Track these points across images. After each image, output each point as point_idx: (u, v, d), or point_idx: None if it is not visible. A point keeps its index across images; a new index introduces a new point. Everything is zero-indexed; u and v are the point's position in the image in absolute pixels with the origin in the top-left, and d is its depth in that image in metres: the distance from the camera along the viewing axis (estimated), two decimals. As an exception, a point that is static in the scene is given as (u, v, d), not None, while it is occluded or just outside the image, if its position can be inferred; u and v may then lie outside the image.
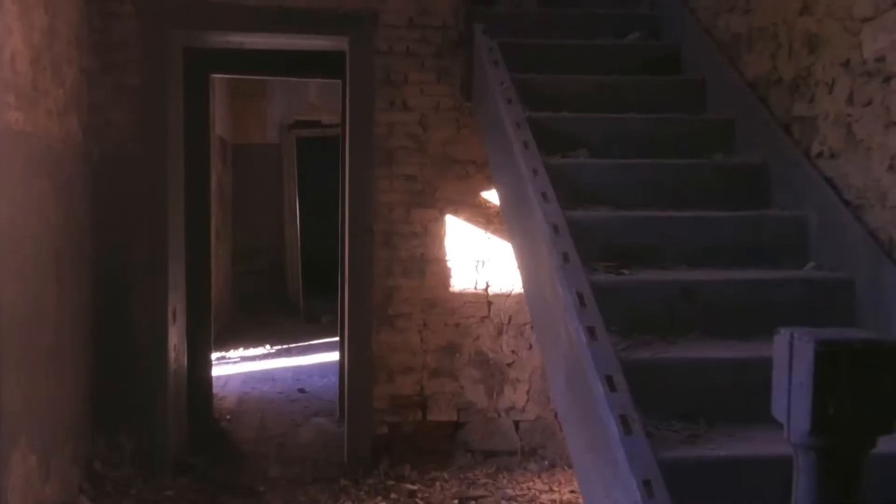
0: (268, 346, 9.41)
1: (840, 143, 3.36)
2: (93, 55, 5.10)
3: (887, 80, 3.04)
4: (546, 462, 5.57)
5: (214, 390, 6.68)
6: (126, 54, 5.18)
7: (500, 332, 5.54)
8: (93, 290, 5.11)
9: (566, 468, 5.43)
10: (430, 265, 5.48)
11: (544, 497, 5.16)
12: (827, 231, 3.38)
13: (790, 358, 1.60)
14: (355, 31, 5.34)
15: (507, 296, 5.53)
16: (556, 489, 5.28)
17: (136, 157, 5.18)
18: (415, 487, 5.25)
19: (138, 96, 5.18)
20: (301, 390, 7.62)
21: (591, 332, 2.66)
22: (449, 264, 5.50)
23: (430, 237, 5.47)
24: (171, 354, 5.40)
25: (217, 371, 7.31)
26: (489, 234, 5.51)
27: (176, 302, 5.50)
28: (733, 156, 4.07)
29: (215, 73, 6.36)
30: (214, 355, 6.95)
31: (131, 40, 5.19)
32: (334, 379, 7.09)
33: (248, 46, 5.87)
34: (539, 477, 5.45)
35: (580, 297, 2.81)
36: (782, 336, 1.63)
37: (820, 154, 3.50)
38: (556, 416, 5.30)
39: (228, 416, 6.74)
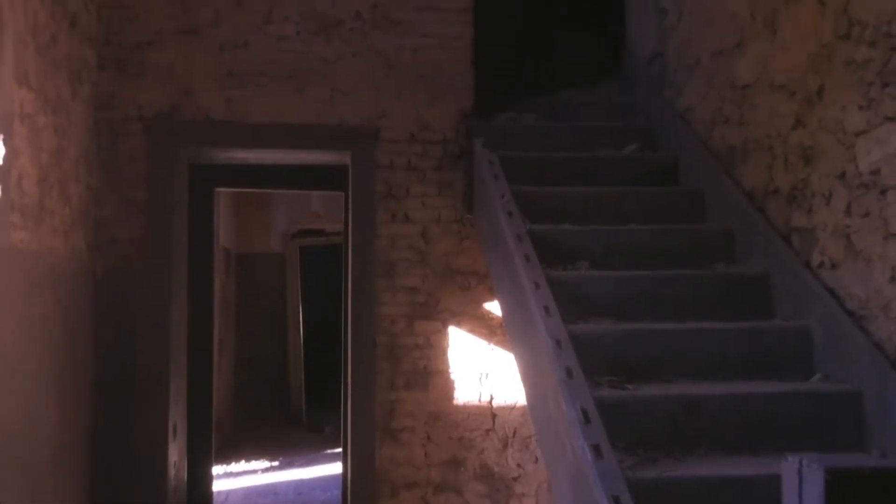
0: (270, 459, 9.27)
1: (840, 253, 3.37)
2: (100, 172, 5.19)
3: (883, 192, 3.07)
4: (554, 579, 5.43)
5: (215, 506, 6.55)
6: (133, 171, 5.26)
7: (505, 446, 5.46)
8: (93, 405, 5.07)
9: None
10: (433, 377, 5.44)
11: None
12: (831, 342, 3.37)
13: (800, 485, 1.57)
14: (357, 146, 5.44)
15: (512, 408, 5.47)
16: None
17: (140, 273, 5.21)
18: None
19: (144, 213, 5.24)
20: (303, 505, 7.48)
21: (596, 450, 2.62)
22: (452, 376, 5.46)
23: (433, 349, 5.45)
24: (171, 472, 5.32)
25: (218, 485, 7.19)
26: (492, 346, 5.49)
27: (177, 417, 5.44)
28: (734, 266, 4.09)
29: (220, 187, 6.45)
30: (215, 469, 6.83)
31: (139, 157, 5.28)
32: (337, 493, 6.95)
33: (253, 162, 5.97)
34: None
35: (585, 413, 2.78)
36: (791, 463, 1.61)
37: (821, 264, 3.51)
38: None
39: (229, 534, 6.60)
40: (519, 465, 5.47)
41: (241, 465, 8.95)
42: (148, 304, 5.22)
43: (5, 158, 3.80)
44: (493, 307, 5.41)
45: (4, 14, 3.76)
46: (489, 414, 5.47)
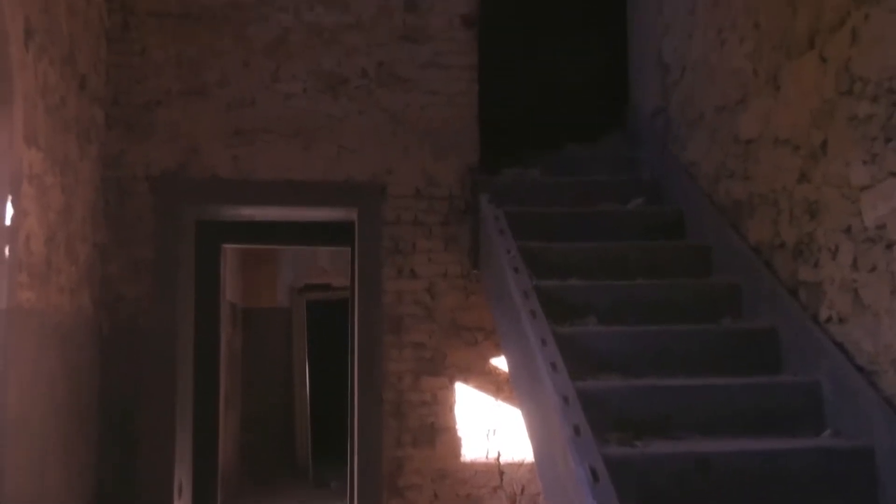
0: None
1: (848, 308, 3.36)
2: (107, 230, 5.21)
3: (890, 246, 3.07)
4: None
5: (220, 566, 6.46)
6: (140, 229, 5.28)
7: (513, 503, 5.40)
8: (98, 463, 5.03)
9: None
10: (440, 434, 5.40)
11: None
12: (841, 397, 3.34)
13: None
14: (364, 202, 5.46)
15: (520, 465, 5.42)
16: None
17: (146, 330, 5.21)
18: None
19: (150, 270, 5.26)
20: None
21: (605, 510, 2.59)
22: (459, 433, 5.41)
23: (440, 405, 5.41)
24: (177, 531, 5.27)
25: (223, 545, 7.10)
26: (499, 402, 5.45)
27: (182, 474, 5.40)
28: (742, 320, 4.07)
29: (227, 243, 6.48)
30: (221, 529, 6.76)
31: (146, 215, 5.30)
32: (344, 551, 6.86)
33: (259, 218, 6.00)
34: None
35: (593, 471, 2.75)
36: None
37: (829, 319, 3.49)
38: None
39: None
40: (528, 524, 5.41)
41: (247, 523, 8.85)
42: (154, 361, 5.20)
43: (13, 219, 3.82)
44: (500, 363, 5.38)
45: (15, 76, 3.81)
46: (497, 471, 5.42)
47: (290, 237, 6.82)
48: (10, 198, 3.80)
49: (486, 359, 5.46)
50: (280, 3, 5.49)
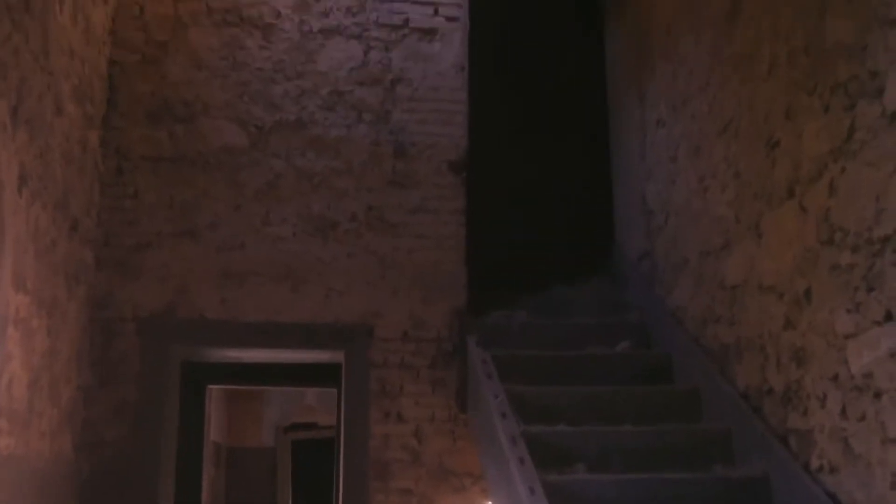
0: None
1: (839, 457, 3.32)
2: (91, 372, 5.16)
3: (878, 395, 3.06)
4: None
5: None
6: (125, 370, 5.23)
7: None
8: None
9: None
10: (427, 584, 5.23)
11: None
12: (837, 551, 3.26)
13: None
14: (351, 345, 5.45)
15: None
16: None
17: (127, 472, 5.09)
18: None
19: (134, 412, 5.18)
20: None
21: None
22: (447, 584, 5.25)
23: (428, 553, 5.26)
24: None
25: None
26: (488, 549, 5.30)
27: None
28: (733, 468, 4.01)
29: (213, 384, 6.42)
30: None
31: (131, 357, 5.27)
32: None
33: (246, 360, 5.96)
34: None
35: None
36: None
37: (820, 468, 3.44)
38: None
39: None
40: None
41: None
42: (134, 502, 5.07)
43: (-3, 363, 3.79)
44: (488, 509, 5.27)
45: (7, 221, 3.85)
46: None
47: (277, 378, 6.77)
48: (-6, 342, 3.78)
49: (473, 505, 5.35)
50: (273, 149, 5.61)
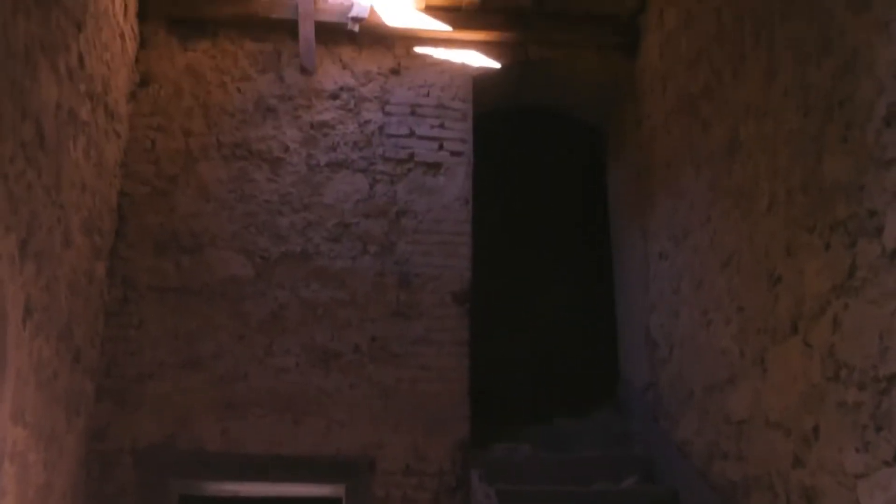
0: None
1: None
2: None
3: (893, 536, 2.99)
4: None
5: None
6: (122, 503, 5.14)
7: None
8: None
9: None
10: None
11: None
12: None
13: None
14: (352, 479, 5.34)
15: None
16: None
17: None
18: None
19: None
20: None
21: None
22: None
23: None
24: None
25: None
26: None
27: None
28: None
29: (210, 518, 6.28)
30: None
31: (128, 489, 5.16)
32: None
33: (245, 494, 5.84)
34: None
35: None
36: None
37: None
38: None
39: None
40: None
41: None
42: None
43: (-9, 499, 3.72)
44: None
45: (10, 354, 3.84)
46: None
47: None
48: (-10, 477, 3.72)
49: None
50: (277, 280, 5.65)
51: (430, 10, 6.03)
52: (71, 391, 4.81)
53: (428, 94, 6.13)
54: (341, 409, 5.46)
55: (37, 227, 4.12)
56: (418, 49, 6.17)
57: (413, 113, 6.07)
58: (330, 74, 6.06)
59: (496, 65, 6.19)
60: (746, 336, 4.18)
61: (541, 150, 7.94)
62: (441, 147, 6.04)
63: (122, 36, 5.48)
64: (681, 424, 4.97)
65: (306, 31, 5.89)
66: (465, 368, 5.63)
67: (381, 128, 6.01)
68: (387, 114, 6.06)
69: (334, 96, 6.03)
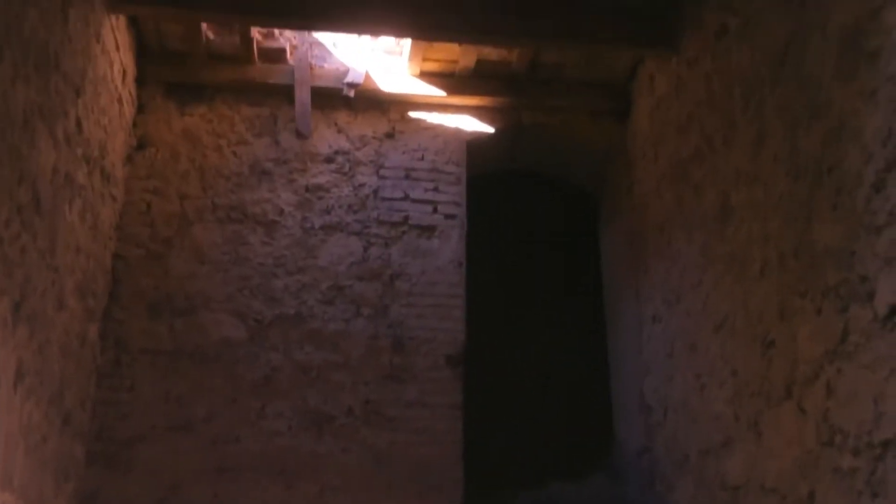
0: None
1: None
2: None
3: None
4: None
5: None
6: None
7: None
8: None
9: None
10: None
11: None
12: None
13: None
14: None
15: None
16: None
17: None
18: None
19: None
20: None
21: None
22: None
23: None
24: None
25: None
26: None
27: None
28: None
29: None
30: None
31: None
32: None
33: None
34: None
35: None
36: None
37: None
38: None
39: None
40: None
41: None
42: None
43: (-23, 567, 3.66)
44: None
45: (0, 418, 3.82)
46: None
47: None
48: (-24, 544, 3.66)
49: None
50: (271, 343, 5.63)
51: (425, 75, 6.13)
52: (60, 455, 4.75)
53: (422, 158, 6.19)
54: (334, 474, 5.41)
55: (30, 290, 4.12)
56: (413, 114, 6.24)
57: (407, 176, 6.13)
58: (325, 138, 6.12)
59: (490, 129, 6.27)
60: (741, 400, 4.17)
61: (534, 213, 8.00)
62: (435, 210, 6.07)
63: (119, 100, 5.55)
64: (677, 489, 4.93)
65: (302, 95, 5.97)
66: (459, 431, 5.60)
67: (375, 191, 6.05)
68: (381, 177, 6.10)
69: (329, 160, 6.08)
